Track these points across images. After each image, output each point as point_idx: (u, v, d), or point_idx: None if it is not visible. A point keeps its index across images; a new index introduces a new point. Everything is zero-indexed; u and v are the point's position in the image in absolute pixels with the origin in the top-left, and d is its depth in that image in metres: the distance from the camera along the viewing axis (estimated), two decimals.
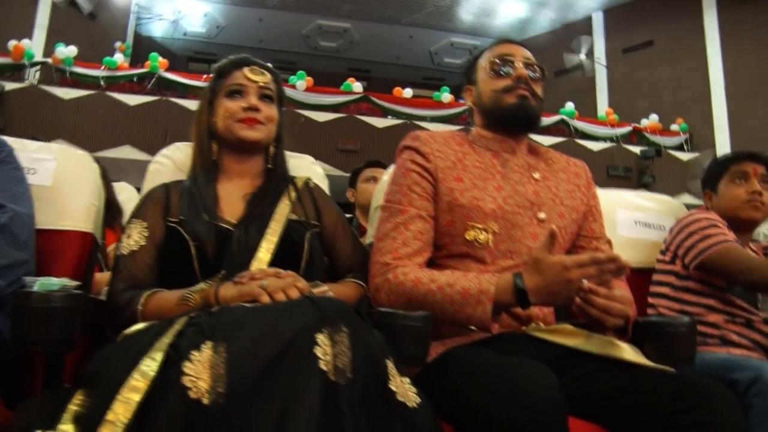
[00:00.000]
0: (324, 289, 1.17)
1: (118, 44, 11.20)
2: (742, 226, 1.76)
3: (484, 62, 1.45)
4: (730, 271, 1.60)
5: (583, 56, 12.13)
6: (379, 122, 9.98)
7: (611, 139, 10.35)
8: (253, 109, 1.41)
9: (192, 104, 8.30)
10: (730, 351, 1.57)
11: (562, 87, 11.95)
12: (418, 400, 0.94)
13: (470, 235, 1.32)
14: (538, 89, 1.43)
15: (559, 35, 12.52)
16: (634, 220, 1.88)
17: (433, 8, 12.32)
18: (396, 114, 10.28)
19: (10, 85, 8.64)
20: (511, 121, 1.41)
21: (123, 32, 12.05)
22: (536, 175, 1.42)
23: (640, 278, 1.88)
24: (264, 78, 1.45)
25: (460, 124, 10.46)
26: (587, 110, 11.16)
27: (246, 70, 1.44)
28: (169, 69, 9.92)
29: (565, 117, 10.27)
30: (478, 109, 1.47)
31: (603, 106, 11.57)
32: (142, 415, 0.81)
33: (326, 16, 13.05)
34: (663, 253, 1.79)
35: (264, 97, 1.45)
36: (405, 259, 1.27)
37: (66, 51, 9.07)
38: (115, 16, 11.84)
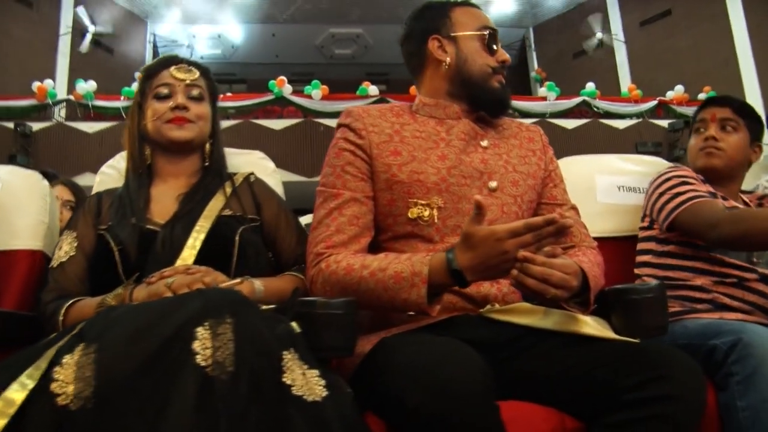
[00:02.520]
0: (235, 282, 1.12)
1: (137, 74, 11.43)
2: (709, 176, 1.63)
3: (468, 23, 1.33)
4: (697, 229, 1.48)
5: (599, 34, 11.83)
6: None
7: (637, 116, 10.04)
8: (181, 108, 1.38)
9: None
10: (723, 316, 1.43)
11: (581, 68, 11.71)
12: (325, 393, 0.88)
13: (413, 212, 1.23)
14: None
15: (574, 16, 12.25)
16: (616, 186, 1.76)
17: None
18: None
19: (37, 125, 8.90)
20: (494, 103, 1.34)
21: (141, 62, 12.30)
22: (484, 143, 1.32)
23: (624, 247, 1.77)
24: (191, 75, 1.42)
25: None
26: (610, 89, 10.88)
27: (173, 69, 1.41)
28: None
29: (587, 98, 10.02)
30: (451, 72, 1.32)
31: (626, 83, 11.26)
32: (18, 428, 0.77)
33: (337, 24, 13.08)
34: (642, 218, 1.67)
35: (192, 94, 1.41)
36: (340, 247, 1.19)
37: (86, 86, 9.30)
38: (132, 48, 12.10)
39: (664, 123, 9.72)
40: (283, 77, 9.97)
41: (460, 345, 0.97)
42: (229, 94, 10.17)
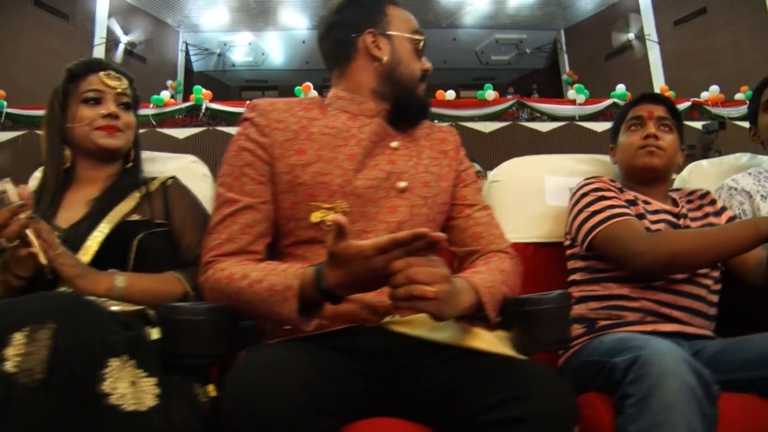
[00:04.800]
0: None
1: (169, 82, 11.71)
2: (645, 177, 1.53)
3: (403, 24, 1.27)
4: (616, 258, 1.38)
5: (632, 35, 11.53)
6: None
7: None
8: (113, 116, 1.37)
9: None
10: (657, 327, 1.32)
11: (613, 70, 11.43)
12: (154, 402, 0.84)
13: (316, 216, 1.15)
14: None
15: (606, 17, 11.97)
16: (567, 187, 1.63)
17: (471, 7, 12.12)
18: (440, 117, 10.12)
19: None
20: (417, 110, 1.29)
21: (173, 71, 12.59)
22: (394, 144, 1.25)
23: None
24: (122, 84, 1.41)
25: (508, 121, 10.20)
26: (643, 90, 10.54)
27: (102, 75, 1.39)
28: (222, 99, 10.23)
29: (616, 100, 9.76)
30: (384, 70, 1.25)
31: (659, 84, 10.93)
32: None
33: None
34: (565, 236, 1.58)
35: (122, 103, 1.40)
36: (230, 256, 1.14)
37: None
38: (165, 56, 12.38)
39: (698, 125, 9.38)
40: (308, 83, 10.05)
41: (288, 359, 0.92)
42: None
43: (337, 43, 1.29)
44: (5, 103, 8.87)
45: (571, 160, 1.75)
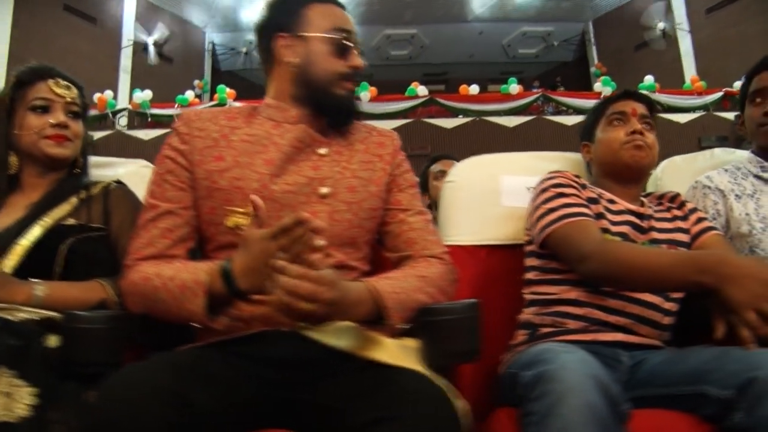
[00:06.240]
0: None
1: (196, 82, 11.88)
2: (627, 175, 1.44)
3: (321, 23, 1.23)
4: (566, 259, 1.31)
5: (662, 24, 11.20)
6: (448, 123, 9.82)
7: (703, 109, 9.44)
8: (63, 126, 1.37)
9: None
10: (598, 337, 1.25)
11: (643, 61, 11.15)
12: (27, 413, 0.84)
13: (231, 221, 1.16)
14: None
15: (634, 7, 11.67)
16: (525, 187, 1.55)
17: (497, 0, 11.97)
18: (465, 112, 10.04)
19: (98, 134, 9.41)
20: (337, 110, 1.24)
21: (200, 70, 12.76)
22: (322, 150, 1.23)
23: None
24: (71, 93, 1.41)
25: (532, 114, 10.05)
26: (674, 81, 10.29)
27: (51, 84, 1.39)
28: (250, 98, 10.32)
29: (645, 92, 9.51)
30: (296, 74, 1.23)
31: (690, 75, 10.61)
32: None
33: (392, 25, 13.09)
34: (526, 230, 1.50)
35: (71, 112, 1.40)
36: (150, 260, 1.14)
37: (142, 95, 9.75)
38: (191, 56, 12.56)
39: (730, 115, 9.07)
40: None
41: (146, 367, 0.90)
42: None
43: (260, 50, 1.30)
44: None
45: (532, 158, 1.67)
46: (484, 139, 9.09)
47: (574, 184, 1.41)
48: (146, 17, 11.41)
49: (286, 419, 0.99)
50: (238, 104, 9.85)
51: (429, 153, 9.17)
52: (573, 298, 1.32)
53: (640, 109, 1.47)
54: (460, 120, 9.83)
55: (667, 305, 1.32)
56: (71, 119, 1.40)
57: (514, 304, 1.44)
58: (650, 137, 1.44)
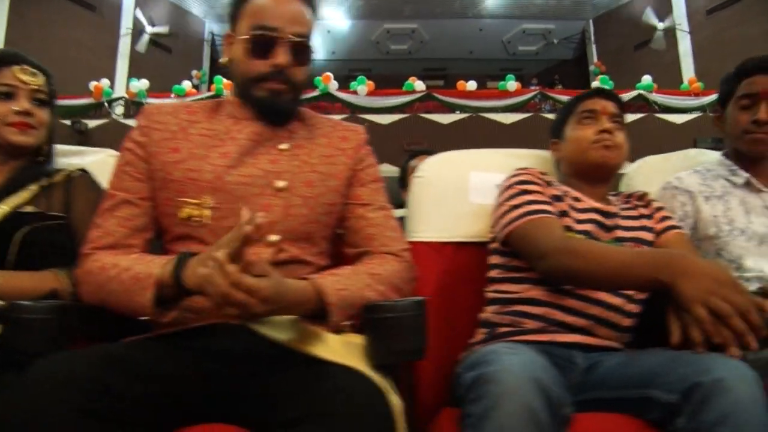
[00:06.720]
0: None
1: (194, 72, 11.84)
2: (595, 174, 1.43)
3: (244, 23, 1.20)
4: (527, 256, 1.30)
5: (662, 24, 11.15)
6: (445, 118, 9.78)
7: (699, 110, 9.41)
8: (26, 113, 1.36)
9: None
10: (554, 338, 1.24)
11: (643, 60, 11.11)
12: None
13: (184, 212, 1.16)
14: (300, 74, 1.22)
15: (635, 6, 11.62)
16: (493, 183, 1.52)
17: None
18: (462, 108, 10.01)
19: (93, 123, 9.38)
20: (264, 111, 1.23)
21: (199, 60, 12.72)
22: (283, 146, 1.22)
23: None
24: (37, 81, 1.39)
25: (530, 112, 10.02)
26: (672, 81, 10.25)
27: (16, 70, 1.37)
28: None
29: (642, 92, 9.49)
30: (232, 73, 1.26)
31: (688, 75, 10.57)
32: None
33: (392, 20, 13.04)
34: (491, 228, 1.49)
35: (36, 99, 1.39)
36: (107, 249, 1.14)
37: (139, 85, 9.72)
38: (189, 47, 12.52)
39: None
40: (329, 73, 10.02)
41: (62, 359, 0.89)
42: None
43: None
44: None
45: (502, 155, 1.65)
46: (480, 135, 9.06)
47: (539, 182, 1.39)
48: (146, 5, 11.36)
49: (228, 413, 0.98)
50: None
51: (425, 148, 9.17)
52: (533, 297, 1.31)
53: (611, 107, 1.45)
54: (457, 116, 9.80)
55: (629, 307, 1.31)
56: (36, 107, 1.38)
57: (481, 303, 1.43)
58: (619, 137, 1.42)
